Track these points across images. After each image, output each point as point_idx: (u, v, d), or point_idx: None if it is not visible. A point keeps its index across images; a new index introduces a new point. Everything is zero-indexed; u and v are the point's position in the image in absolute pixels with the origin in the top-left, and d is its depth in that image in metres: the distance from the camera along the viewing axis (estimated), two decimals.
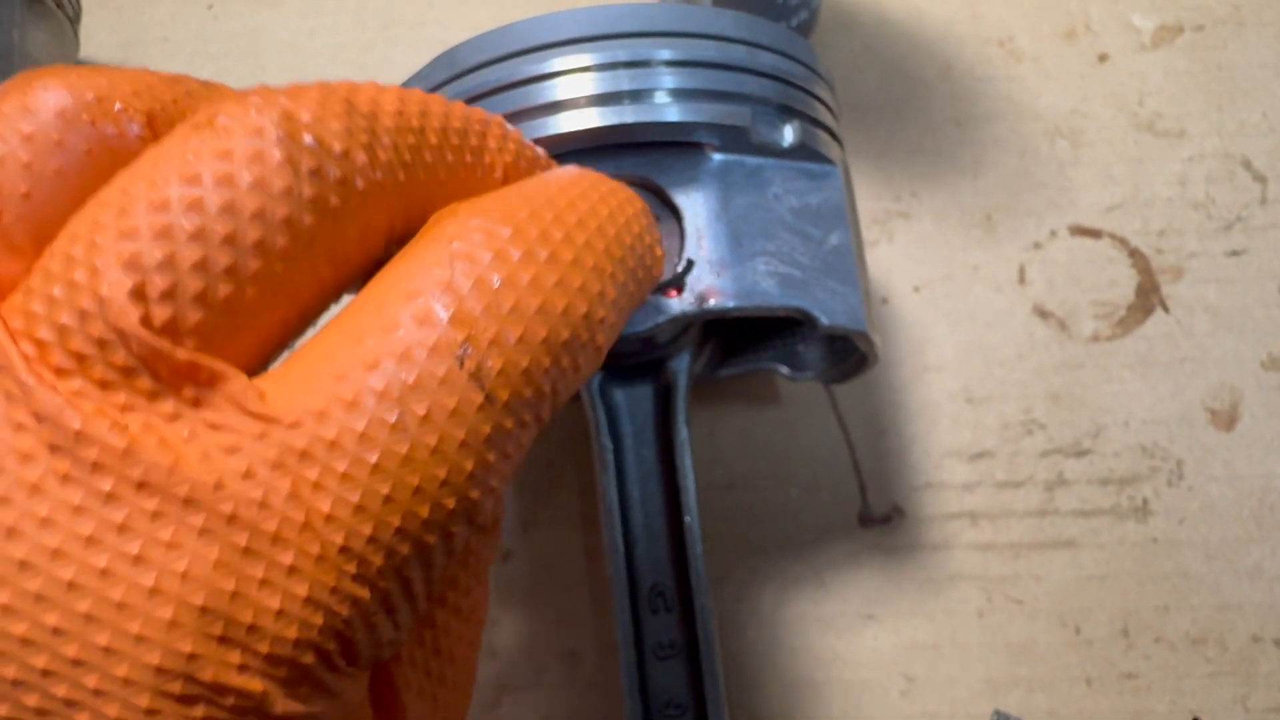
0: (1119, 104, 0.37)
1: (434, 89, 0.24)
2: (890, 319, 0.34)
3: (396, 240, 0.16)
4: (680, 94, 0.23)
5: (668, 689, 0.26)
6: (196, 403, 0.13)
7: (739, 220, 0.23)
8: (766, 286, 0.23)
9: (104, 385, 0.13)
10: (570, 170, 0.18)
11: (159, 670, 0.12)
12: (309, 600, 0.13)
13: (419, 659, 0.15)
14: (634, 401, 0.28)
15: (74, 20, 0.36)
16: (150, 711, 0.12)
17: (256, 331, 0.14)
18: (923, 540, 0.32)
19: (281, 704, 0.13)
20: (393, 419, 0.13)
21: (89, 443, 0.12)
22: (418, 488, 0.13)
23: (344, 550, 0.13)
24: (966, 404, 0.33)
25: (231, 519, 0.12)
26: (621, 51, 0.23)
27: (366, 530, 0.13)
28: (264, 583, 0.12)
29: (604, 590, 0.31)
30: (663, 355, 0.28)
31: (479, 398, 0.14)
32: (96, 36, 0.40)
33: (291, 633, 0.13)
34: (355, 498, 0.13)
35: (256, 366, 0.14)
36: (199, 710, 0.12)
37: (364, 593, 0.13)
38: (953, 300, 0.34)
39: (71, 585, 0.12)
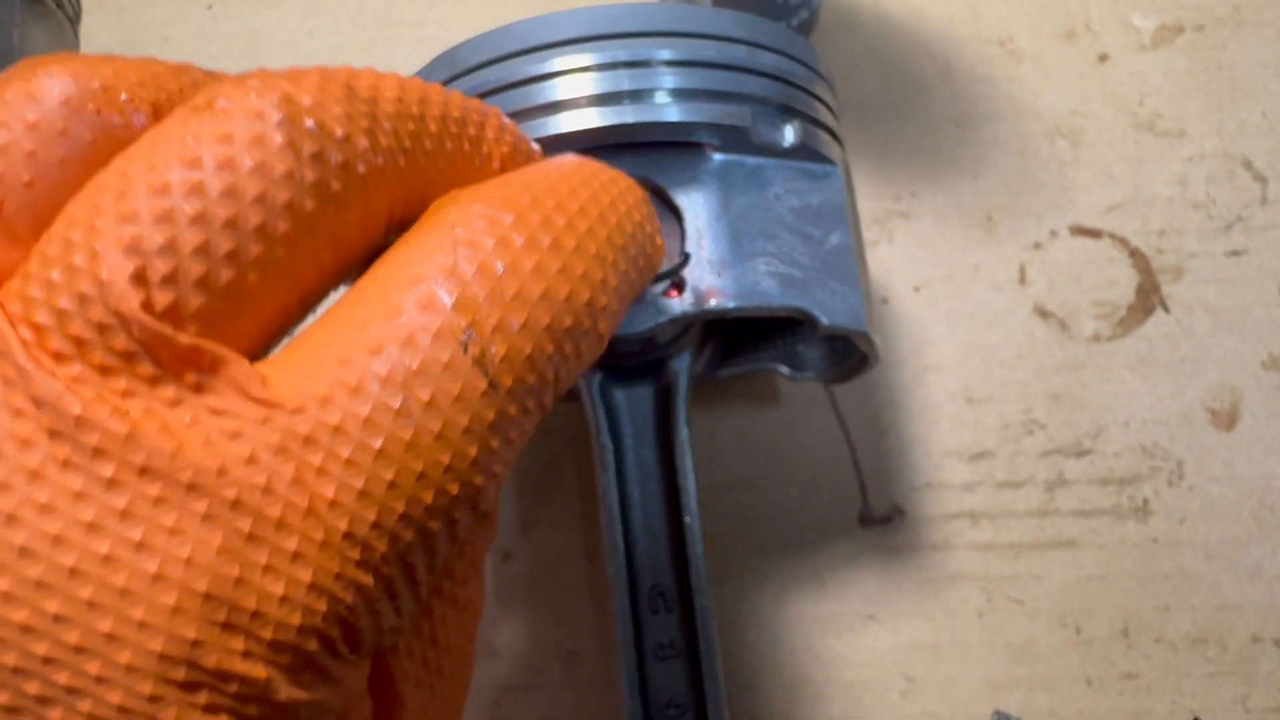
0: (1119, 104, 0.37)
1: None
2: (890, 319, 0.34)
3: (396, 227, 0.16)
4: (680, 94, 0.23)
5: (668, 689, 0.26)
6: (198, 388, 0.13)
7: (739, 220, 0.23)
8: (767, 286, 0.23)
9: (104, 370, 0.13)
10: (570, 158, 0.18)
11: (162, 657, 0.12)
12: (313, 586, 0.13)
13: (416, 650, 0.15)
14: (634, 402, 0.28)
15: (74, 20, 0.36)
16: (153, 698, 0.12)
17: (257, 317, 0.14)
18: (923, 540, 0.32)
19: (285, 691, 0.12)
20: (397, 404, 0.13)
21: (90, 428, 0.12)
22: (422, 473, 0.13)
23: (348, 536, 0.13)
24: (967, 404, 0.33)
25: (235, 504, 0.12)
26: (621, 51, 0.23)
27: (370, 516, 0.13)
28: (268, 569, 0.12)
29: (604, 590, 0.31)
30: (663, 355, 0.28)
31: (483, 383, 0.14)
32: (96, 36, 0.40)
33: (295, 619, 0.12)
34: (359, 483, 0.13)
35: (257, 352, 0.14)
36: (202, 697, 0.12)
37: (368, 579, 0.13)
38: (953, 300, 0.34)
39: (73, 572, 0.12)
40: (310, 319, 0.15)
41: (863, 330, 0.24)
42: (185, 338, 0.13)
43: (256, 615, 0.12)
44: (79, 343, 0.13)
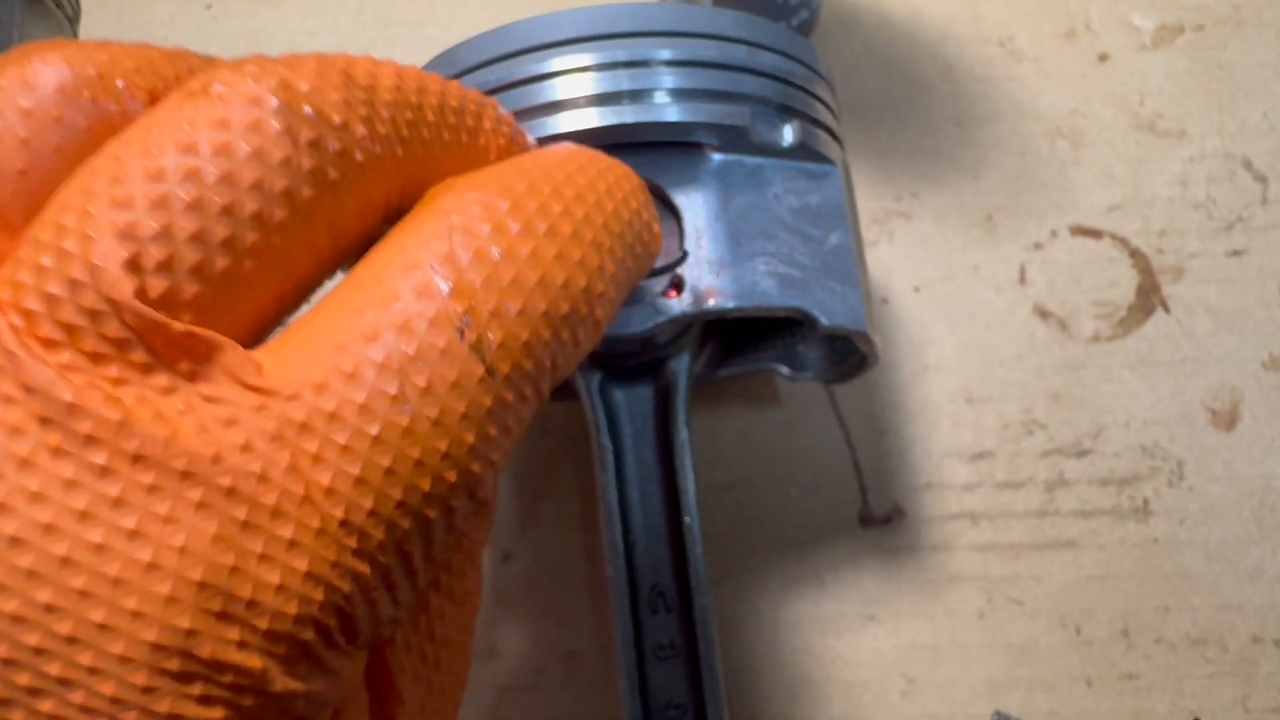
0: (1119, 104, 0.37)
1: None
2: (890, 319, 0.34)
3: (393, 215, 0.16)
4: (680, 94, 0.23)
5: (668, 689, 0.26)
6: (192, 376, 0.13)
7: (739, 220, 0.23)
8: (766, 286, 0.23)
9: (95, 358, 0.12)
10: (566, 146, 0.18)
11: (156, 647, 0.12)
12: (309, 575, 0.12)
13: (413, 643, 0.15)
14: (634, 402, 0.28)
15: (74, 20, 0.37)
16: (147, 689, 0.12)
17: (253, 304, 0.14)
18: (923, 541, 0.32)
19: (280, 681, 0.12)
20: (393, 391, 0.13)
21: (81, 415, 0.12)
22: (419, 461, 0.13)
23: (344, 524, 0.13)
24: (967, 404, 0.33)
25: (230, 492, 0.12)
26: (621, 51, 0.23)
27: (367, 504, 0.13)
28: (263, 557, 0.12)
29: (604, 590, 0.31)
30: (663, 355, 0.28)
31: (480, 370, 0.14)
32: (96, 36, 0.40)
33: (291, 608, 0.12)
34: (355, 470, 0.13)
35: (252, 340, 0.14)
36: (197, 688, 0.12)
37: (364, 567, 0.13)
38: (953, 300, 0.34)
39: (65, 561, 0.11)
40: (306, 306, 0.15)
41: (862, 330, 0.24)
42: (179, 325, 0.13)
43: (252, 604, 0.12)
44: (70, 329, 0.12)
